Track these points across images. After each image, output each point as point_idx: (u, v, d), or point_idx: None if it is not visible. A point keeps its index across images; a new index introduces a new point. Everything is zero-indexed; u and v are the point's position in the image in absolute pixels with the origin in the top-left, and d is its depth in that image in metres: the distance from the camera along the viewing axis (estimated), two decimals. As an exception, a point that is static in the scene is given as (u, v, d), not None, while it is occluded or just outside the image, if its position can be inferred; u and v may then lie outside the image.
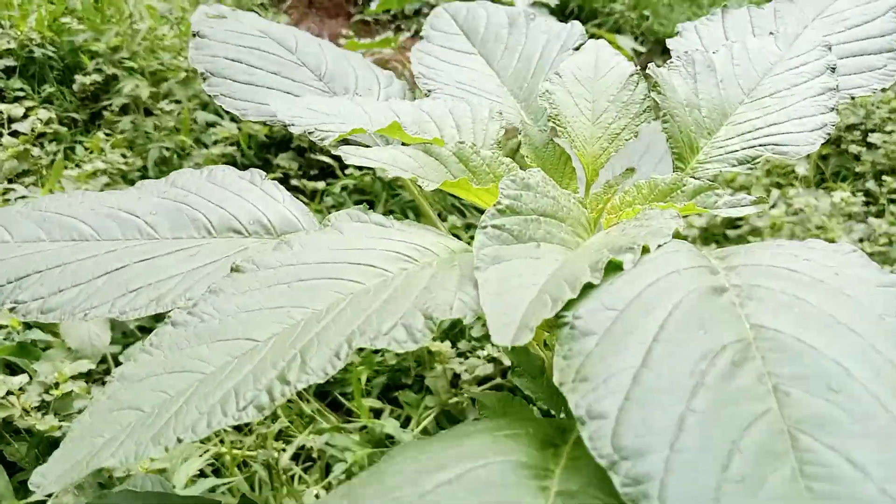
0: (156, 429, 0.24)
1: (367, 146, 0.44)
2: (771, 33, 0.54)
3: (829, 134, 0.46)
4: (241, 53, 0.53)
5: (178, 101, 1.58)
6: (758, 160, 0.45)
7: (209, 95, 0.50)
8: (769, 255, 0.30)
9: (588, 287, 0.27)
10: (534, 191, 0.32)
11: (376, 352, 1.18)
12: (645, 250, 0.29)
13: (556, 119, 0.48)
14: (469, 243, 0.35)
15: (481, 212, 0.30)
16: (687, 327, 0.25)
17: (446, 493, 0.22)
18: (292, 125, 0.39)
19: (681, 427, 0.22)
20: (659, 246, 0.30)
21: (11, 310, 0.34)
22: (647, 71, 0.49)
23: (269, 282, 0.30)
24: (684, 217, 0.35)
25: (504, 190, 0.32)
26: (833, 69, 0.49)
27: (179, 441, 0.23)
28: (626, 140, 0.48)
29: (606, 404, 0.23)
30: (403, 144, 0.42)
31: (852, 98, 0.51)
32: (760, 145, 0.46)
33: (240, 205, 0.41)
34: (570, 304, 0.26)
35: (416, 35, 2.43)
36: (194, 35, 0.54)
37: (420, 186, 0.38)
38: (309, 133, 0.38)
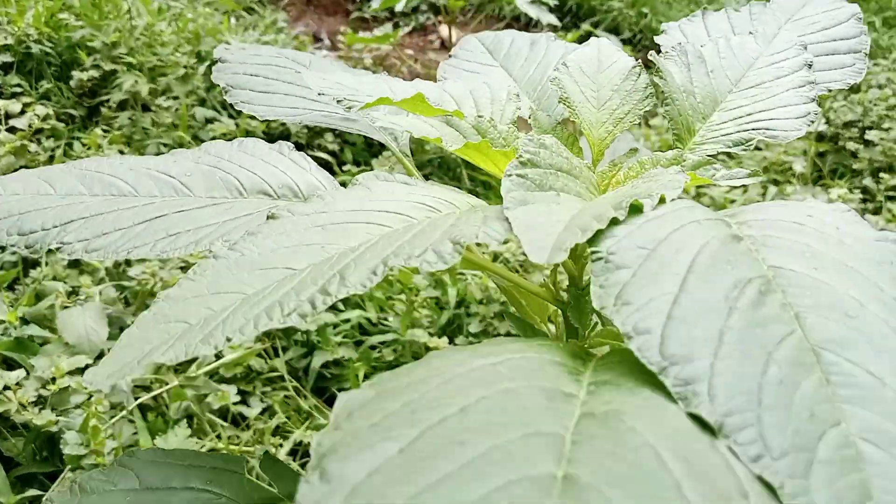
0: (204, 333, 0.26)
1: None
2: (750, 33, 0.59)
3: (812, 121, 0.50)
4: (259, 69, 0.58)
5: (176, 98, 1.59)
6: (751, 142, 0.49)
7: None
8: (775, 212, 0.33)
9: (613, 226, 0.30)
10: (550, 150, 0.35)
11: (373, 348, 1.19)
12: (662, 200, 0.32)
13: (566, 101, 0.52)
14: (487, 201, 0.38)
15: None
16: (715, 263, 0.28)
17: (491, 371, 0.25)
18: (322, 94, 0.42)
19: (720, 340, 0.25)
20: (673, 200, 0.33)
21: (57, 249, 0.36)
22: (649, 57, 0.53)
23: (303, 225, 0.32)
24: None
25: (524, 147, 0.35)
26: (810, 65, 0.54)
27: (228, 340, 0.25)
28: (632, 122, 0.51)
29: (651, 322, 0.26)
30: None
31: (829, 90, 0.56)
32: (753, 129, 0.50)
33: (269, 171, 0.43)
34: (598, 243, 0.29)
35: (414, 31, 2.47)
36: (216, 62, 0.58)
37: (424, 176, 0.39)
38: (338, 101, 0.41)
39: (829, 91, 0.57)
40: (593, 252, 0.29)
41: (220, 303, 0.28)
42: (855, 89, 1.81)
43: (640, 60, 0.55)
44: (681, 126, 0.51)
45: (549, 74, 0.60)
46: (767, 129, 0.50)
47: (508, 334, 1.19)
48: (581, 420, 0.23)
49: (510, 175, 0.32)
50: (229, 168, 0.43)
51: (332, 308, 1.21)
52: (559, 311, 0.54)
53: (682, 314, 0.26)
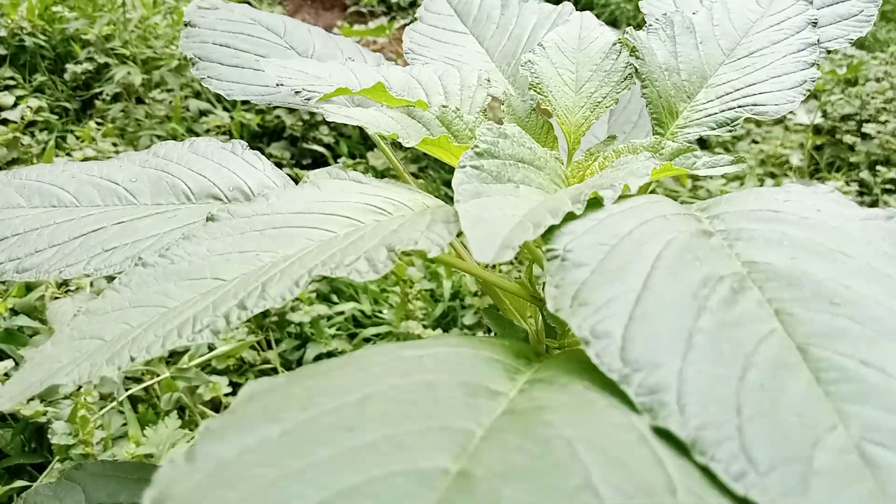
0: (112, 352, 0.25)
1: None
2: (751, -13, 0.54)
3: (809, 91, 0.46)
4: (229, 39, 0.54)
5: (170, 90, 1.58)
6: (737, 122, 0.45)
7: (198, 79, 0.51)
8: (751, 201, 0.30)
9: (571, 220, 0.27)
10: (511, 139, 0.32)
11: (367, 340, 1.19)
12: (625, 190, 0.29)
13: (537, 87, 0.48)
14: (445, 202, 0.35)
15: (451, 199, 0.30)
16: (683, 259, 0.25)
17: (414, 362, 0.22)
18: (281, 84, 0.39)
19: (690, 343, 0.22)
20: (639, 191, 0.30)
21: (-14, 271, 0.34)
22: (626, 36, 0.49)
23: (241, 229, 0.30)
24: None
25: (482, 136, 0.32)
26: (814, 23, 0.49)
27: (132, 360, 0.24)
28: (608, 108, 0.48)
29: (611, 324, 0.23)
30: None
31: (828, 52, 0.51)
32: (739, 106, 0.46)
33: (220, 173, 0.41)
34: (554, 240, 0.26)
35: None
36: (186, 25, 0.55)
37: (405, 172, 0.37)
38: (296, 92, 0.39)
39: (829, 52, 0.51)
40: (548, 250, 0.26)
41: (140, 317, 0.26)
42: (852, 82, 1.75)
43: (623, 35, 0.51)
44: (661, 109, 0.48)
45: (524, 47, 0.56)
46: (756, 104, 0.46)
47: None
48: (500, 417, 0.21)
49: (464, 166, 0.29)
50: (178, 171, 0.40)
51: (326, 300, 1.20)
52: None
53: (645, 314, 0.23)
